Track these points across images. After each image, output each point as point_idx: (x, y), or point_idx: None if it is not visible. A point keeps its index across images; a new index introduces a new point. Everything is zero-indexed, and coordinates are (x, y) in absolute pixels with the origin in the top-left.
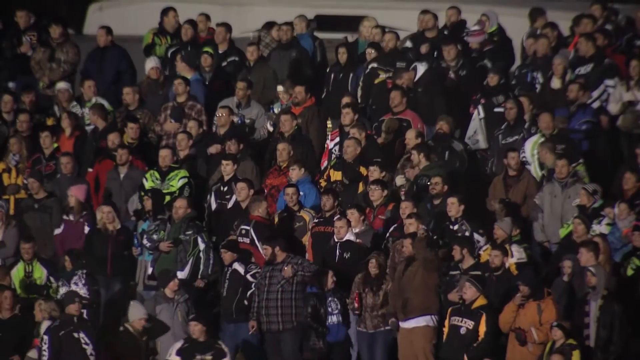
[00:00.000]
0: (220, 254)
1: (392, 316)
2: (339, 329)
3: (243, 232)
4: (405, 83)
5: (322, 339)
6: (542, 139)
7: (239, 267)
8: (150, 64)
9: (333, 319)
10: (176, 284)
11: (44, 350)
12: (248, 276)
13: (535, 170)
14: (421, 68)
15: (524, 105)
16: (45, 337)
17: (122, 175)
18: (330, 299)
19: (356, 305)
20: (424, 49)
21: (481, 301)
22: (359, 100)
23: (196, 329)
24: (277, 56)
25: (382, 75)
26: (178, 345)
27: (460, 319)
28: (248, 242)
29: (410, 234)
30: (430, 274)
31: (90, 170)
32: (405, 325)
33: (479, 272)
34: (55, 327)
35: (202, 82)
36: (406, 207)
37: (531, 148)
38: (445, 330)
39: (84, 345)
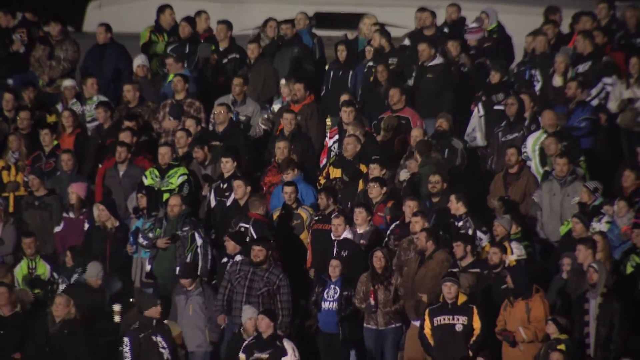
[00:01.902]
0: (224, 242)
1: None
2: (328, 315)
3: (242, 229)
4: (424, 56)
5: (315, 324)
6: (545, 135)
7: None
8: (136, 62)
9: (326, 305)
10: (188, 282)
11: (126, 352)
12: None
13: (535, 166)
14: (439, 58)
15: (525, 103)
16: (126, 340)
17: (121, 173)
18: (332, 285)
19: (372, 302)
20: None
21: (463, 296)
22: (358, 99)
23: (262, 323)
24: (280, 53)
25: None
26: (246, 341)
27: (451, 317)
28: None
29: (424, 230)
30: (443, 272)
31: (100, 166)
32: (417, 323)
33: (478, 270)
34: (135, 329)
35: (192, 78)
36: (413, 206)
37: (533, 144)
38: (428, 331)
39: (161, 349)
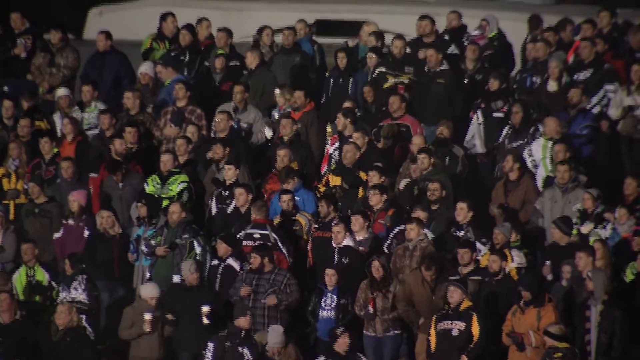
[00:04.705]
0: (215, 245)
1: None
2: (327, 323)
3: (257, 236)
4: (432, 62)
5: (313, 334)
6: (551, 143)
7: (233, 263)
8: (141, 68)
9: (324, 314)
10: (194, 278)
11: (208, 357)
12: (241, 273)
13: (546, 170)
14: (445, 64)
15: (528, 110)
16: (211, 345)
17: (121, 183)
18: (329, 294)
19: (371, 310)
20: (422, 54)
21: (467, 303)
22: (369, 100)
23: (344, 342)
24: (280, 61)
25: (391, 80)
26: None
27: (450, 322)
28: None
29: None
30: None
31: (95, 175)
32: None
33: (479, 277)
34: (222, 336)
35: (186, 82)
36: (419, 216)
37: (542, 151)
38: (433, 338)
39: None
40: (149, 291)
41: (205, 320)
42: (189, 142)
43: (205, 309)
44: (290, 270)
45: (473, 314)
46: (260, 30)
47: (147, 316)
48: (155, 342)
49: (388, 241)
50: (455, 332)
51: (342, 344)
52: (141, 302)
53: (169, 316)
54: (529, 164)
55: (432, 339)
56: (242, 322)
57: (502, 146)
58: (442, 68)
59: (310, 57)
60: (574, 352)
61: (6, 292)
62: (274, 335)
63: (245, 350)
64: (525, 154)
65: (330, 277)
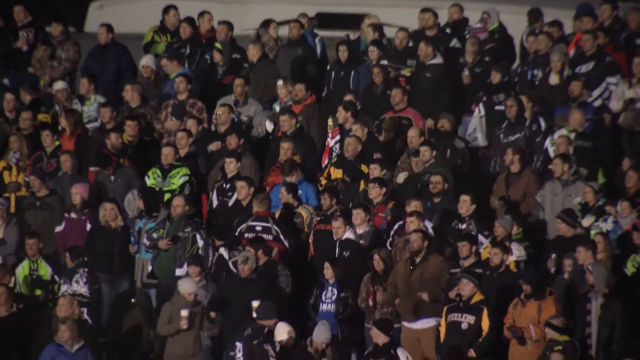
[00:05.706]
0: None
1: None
2: (327, 317)
3: (259, 228)
4: (422, 55)
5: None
6: (573, 134)
7: (223, 252)
8: (142, 61)
9: (324, 307)
10: (196, 271)
11: (239, 357)
12: (230, 262)
13: None
14: (439, 57)
15: (523, 103)
16: (239, 345)
17: (112, 176)
18: (330, 287)
19: (371, 303)
20: None
21: (479, 296)
22: (378, 81)
23: (372, 333)
24: (284, 54)
25: (393, 73)
26: (366, 351)
27: (460, 315)
28: (271, 238)
29: (419, 232)
30: (443, 274)
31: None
32: (416, 325)
33: (480, 270)
34: (248, 335)
35: (187, 76)
36: (414, 206)
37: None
38: (443, 329)
39: (271, 358)
40: (187, 287)
41: (255, 315)
42: (190, 135)
43: (255, 303)
44: (286, 262)
45: (484, 308)
46: (267, 24)
47: (184, 312)
48: (189, 339)
49: (390, 238)
50: (464, 326)
51: (373, 335)
52: (179, 298)
53: (212, 314)
54: (551, 153)
55: (442, 330)
56: (269, 323)
57: (497, 140)
58: (433, 62)
59: (313, 50)
60: (574, 345)
61: (4, 285)
62: (324, 330)
63: (269, 347)
64: (548, 143)
65: (326, 270)
